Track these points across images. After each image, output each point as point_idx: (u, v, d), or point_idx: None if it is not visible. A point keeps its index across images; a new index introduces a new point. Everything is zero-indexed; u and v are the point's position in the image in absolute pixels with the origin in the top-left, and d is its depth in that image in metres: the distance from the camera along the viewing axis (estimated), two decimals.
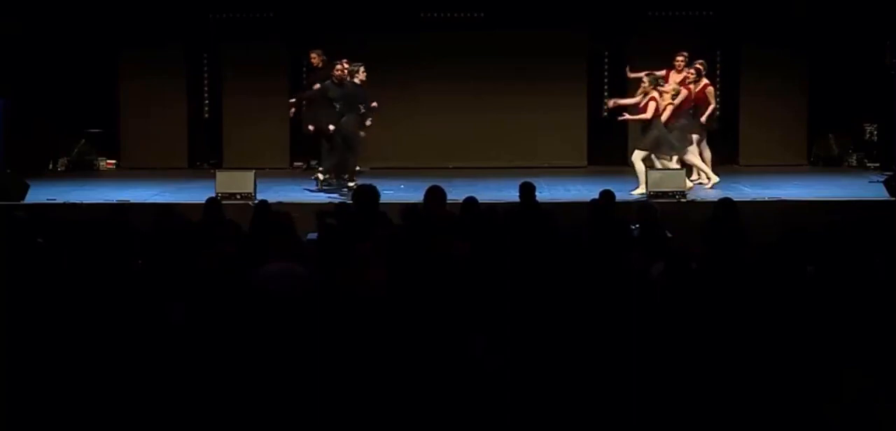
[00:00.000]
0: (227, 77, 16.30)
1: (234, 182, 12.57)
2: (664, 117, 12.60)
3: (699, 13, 16.20)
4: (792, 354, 5.71)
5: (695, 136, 13.19)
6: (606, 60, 16.39)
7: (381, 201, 8.98)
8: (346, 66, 13.20)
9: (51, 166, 16.11)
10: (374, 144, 13.89)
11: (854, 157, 15.90)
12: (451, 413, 5.66)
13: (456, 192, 10.61)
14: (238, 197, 12.30)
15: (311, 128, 13.42)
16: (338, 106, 13.20)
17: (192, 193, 12.72)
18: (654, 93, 12.69)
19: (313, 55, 14.21)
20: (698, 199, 12.28)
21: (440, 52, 15.55)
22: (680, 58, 13.23)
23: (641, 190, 12.54)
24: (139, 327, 6.14)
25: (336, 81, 13.23)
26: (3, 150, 14.11)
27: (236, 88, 15.37)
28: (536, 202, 9.87)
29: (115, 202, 12.22)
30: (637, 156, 12.75)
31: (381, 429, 5.70)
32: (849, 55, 15.74)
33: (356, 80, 13.02)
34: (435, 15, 16.30)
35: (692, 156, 13.05)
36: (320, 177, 13.44)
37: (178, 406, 5.75)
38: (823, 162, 16.10)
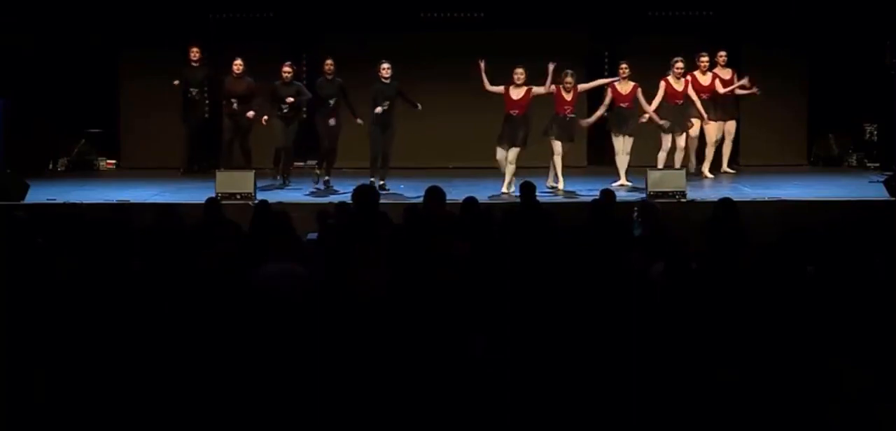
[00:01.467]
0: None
1: (234, 182, 12.58)
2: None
3: (699, 13, 16.18)
4: (792, 354, 5.71)
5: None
6: (606, 60, 16.37)
7: (380, 201, 8.99)
8: (288, 68, 13.59)
9: (51, 166, 16.09)
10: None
11: (854, 157, 15.89)
12: (452, 412, 5.66)
13: (456, 192, 10.62)
14: (238, 197, 12.31)
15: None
16: (284, 108, 13.47)
17: (192, 193, 12.72)
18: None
19: (193, 49, 14.82)
20: (698, 199, 12.28)
21: (440, 52, 15.54)
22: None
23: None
24: (139, 327, 6.14)
25: (285, 81, 13.53)
26: (3, 150, 14.10)
27: None
28: (536, 202, 9.87)
29: (115, 202, 12.23)
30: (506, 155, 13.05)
31: (382, 429, 5.70)
32: (849, 55, 15.72)
33: (384, 77, 13.17)
34: (435, 15, 16.28)
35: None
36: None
37: (179, 405, 5.75)
38: (823, 162, 16.09)
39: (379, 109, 13.09)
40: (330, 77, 13.38)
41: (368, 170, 13.34)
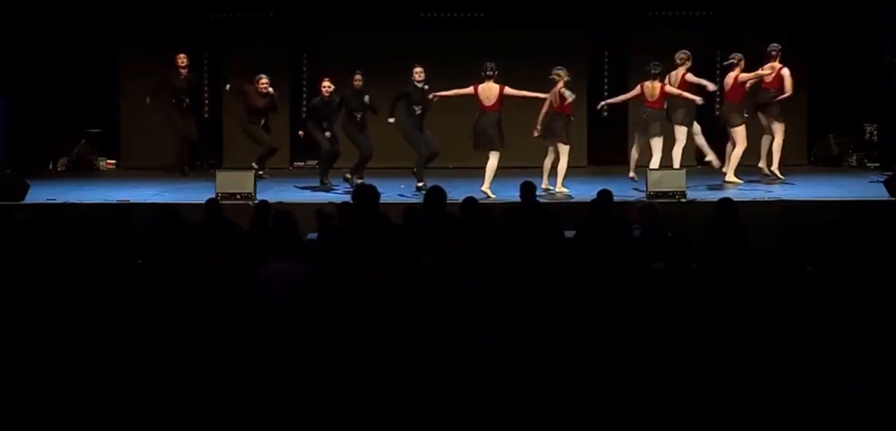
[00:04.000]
0: (227, 78, 16.29)
1: (234, 182, 12.58)
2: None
3: (699, 13, 16.18)
4: (792, 353, 5.71)
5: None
6: (606, 60, 16.38)
7: (380, 201, 8.98)
8: (358, 77, 13.50)
9: (51, 166, 16.09)
10: (374, 145, 13.90)
11: (854, 157, 15.88)
12: (452, 411, 5.66)
13: (456, 192, 10.62)
14: (238, 197, 12.31)
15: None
16: (357, 116, 13.53)
17: (192, 193, 12.72)
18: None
19: (180, 57, 14.96)
20: (698, 199, 12.27)
21: (440, 52, 15.53)
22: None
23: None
24: (139, 327, 6.14)
25: (355, 90, 13.54)
26: (3, 150, 14.10)
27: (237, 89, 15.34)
28: (537, 202, 9.87)
29: (115, 202, 12.22)
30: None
31: (382, 428, 5.71)
32: (849, 55, 15.71)
33: (417, 81, 13.24)
34: (435, 15, 16.28)
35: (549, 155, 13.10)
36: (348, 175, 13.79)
37: (180, 404, 5.75)
38: (823, 162, 16.08)
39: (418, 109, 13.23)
40: (359, 90, 13.44)
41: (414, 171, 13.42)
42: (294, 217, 7.74)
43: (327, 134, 13.57)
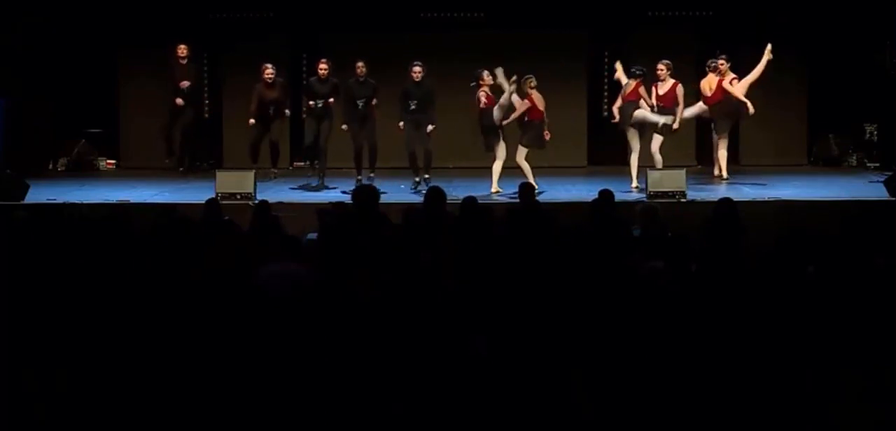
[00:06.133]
0: (226, 77, 16.30)
1: (234, 182, 12.58)
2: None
3: (699, 13, 16.19)
4: (792, 354, 5.71)
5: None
6: (606, 60, 16.38)
7: (380, 201, 8.98)
8: (362, 66, 13.47)
9: (51, 166, 16.10)
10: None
11: (854, 157, 15.90)
12: (452, 413, 5.66)
13: (456, 192, 10.63)
14: (238, 197, 12.31)
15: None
16: (360, 104, 13.46)
17: (192, 193, 12.72)
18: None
19: (181, 47, 14.93)
20: (698, 199, 12.27)
21: (440, 52, 15.54)
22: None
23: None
24: (139, 327, 6.14)
25: (359, 79, 13.53)
26: (3, 150, 14.10)
27: (236, 89, 15.37)
28: (536, 202, 9.88)
29: (115, 202, 12.23)
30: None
31: (381, 428, 5.70)
32: (849, 56, 15.73)
33: (415, 77, 13.28)
34: (435, 15, 16.29)
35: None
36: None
37: (179, 406, 5.75)
38: (823, 162, 16.10)
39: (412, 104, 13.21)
40: (362, 79, 13.42)
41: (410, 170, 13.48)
42: (277, 218, 7.73)
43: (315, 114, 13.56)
